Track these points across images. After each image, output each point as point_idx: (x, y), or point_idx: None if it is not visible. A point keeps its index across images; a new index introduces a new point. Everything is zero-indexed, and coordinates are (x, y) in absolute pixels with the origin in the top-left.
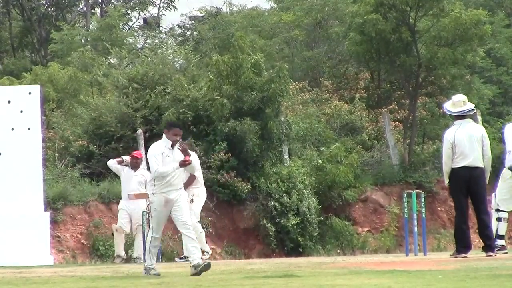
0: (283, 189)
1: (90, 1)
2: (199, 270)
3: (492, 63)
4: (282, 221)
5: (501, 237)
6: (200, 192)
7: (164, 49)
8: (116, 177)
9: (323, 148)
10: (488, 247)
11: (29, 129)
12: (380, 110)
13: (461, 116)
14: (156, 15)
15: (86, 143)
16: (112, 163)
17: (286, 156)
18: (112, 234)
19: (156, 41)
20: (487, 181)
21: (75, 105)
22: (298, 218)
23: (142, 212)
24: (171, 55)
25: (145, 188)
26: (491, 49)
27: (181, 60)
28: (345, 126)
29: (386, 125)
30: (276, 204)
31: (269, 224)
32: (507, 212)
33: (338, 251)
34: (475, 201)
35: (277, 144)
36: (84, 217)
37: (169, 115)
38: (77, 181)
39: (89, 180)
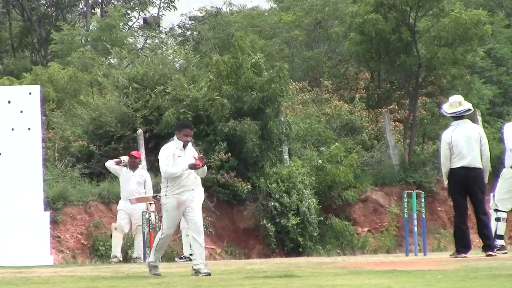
0: (283, 189)
1: (90, 1)
2: (199, 276)
3: (492, 63)
4: (282, 221)
5: (501, 237)
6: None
7: (164, 49)
8: (116, 177)
9: (323, 148)
10: (488, 246)
11: (29, 129)
12: (380, 110)
13: (458, 117)
14: (156, 15)
15: (86, 143)
16: (110, 164)
17: (286, 156)
18: (111, 234)
19: (156, 41)
20: (486, 181)
21: (75, 105)
22: (298, 218)
23: (142, 212)
24: (171, 55)
25: (144, 188)
26: (491, 49)
27: (181, 60)
28: (345, 126)
29: (386, 125)
30: (276, 204)
31: (269, 224)
32: (505, 212)
33: (338, 251)
34: (473, 201)
35: (277, 144)
36: (84, 217)
37: (169, 115)
38: (77, 181)
39: (89, 180)
